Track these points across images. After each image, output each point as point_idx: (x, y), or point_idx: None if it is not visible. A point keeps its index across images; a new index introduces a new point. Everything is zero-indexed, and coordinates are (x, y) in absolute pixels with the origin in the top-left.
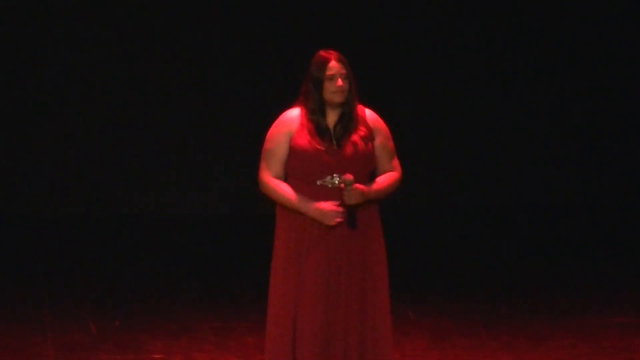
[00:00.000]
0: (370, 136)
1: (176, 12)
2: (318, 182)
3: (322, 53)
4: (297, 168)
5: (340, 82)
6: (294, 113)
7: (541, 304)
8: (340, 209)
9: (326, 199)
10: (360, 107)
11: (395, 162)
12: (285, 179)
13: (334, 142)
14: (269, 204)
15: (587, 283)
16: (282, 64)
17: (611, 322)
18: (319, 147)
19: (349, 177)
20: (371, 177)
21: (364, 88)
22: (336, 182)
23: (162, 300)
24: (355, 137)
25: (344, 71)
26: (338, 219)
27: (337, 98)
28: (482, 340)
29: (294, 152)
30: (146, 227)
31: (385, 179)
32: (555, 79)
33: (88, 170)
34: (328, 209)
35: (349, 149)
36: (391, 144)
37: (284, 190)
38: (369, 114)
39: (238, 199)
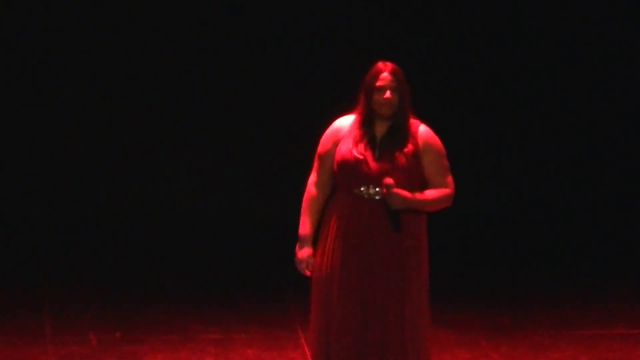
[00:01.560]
0: (416, 152)
1: (178, 13)
2: (355, 191)
3: (379, 63)
4: (338, 175)
5: (388, 94)
6: (347, 119)
7: (542, 314)
8: (305, 269)
9: (364, 209)
10: (414, 122)
11: (448, 180)
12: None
13: (377, 153)
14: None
15: (588, 293)
16: (282, 67)
17: (612, 333)
18: (358, 156)
19: (388, 181)
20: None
21: None
22: (371, 192)
23: (162, 311)
24: (398, 152)
25: (394, 84)
26: (303, 272)
27: (383, 110)
28: (483, 351)
29: (336, 158)
30: (146, 235)
31: (434, 192)
32: (551, 81)
33: (88, 175)
34: (298, 260)
35: (389, 162)
36: (444, 161)
37: (304, 209)
38: (422, 129)
39: (244, 203)
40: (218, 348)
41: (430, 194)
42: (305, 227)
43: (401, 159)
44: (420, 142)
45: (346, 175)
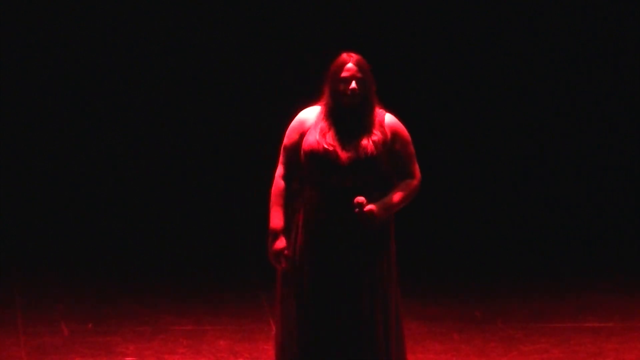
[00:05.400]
0: (383, 141)
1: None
2: (324, 181)
3: (343, 54)
4: (305, 166)
5: (354, 84)
6: (312, 110)
7: (514, 307)
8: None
9: (332, 200)
10: (379, 112)
11: (414, 167)
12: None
13: (345, 142)
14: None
15: (560, 286)
16: (285, 64)
17: (584, 327)
18: (327, 146)
19: (359, 199)
20: (388, 184)
21: None
22: (341, 181)
23: (135, 302)
24: (365, 141)
25: (359, 75)
26: (277, 265)
27: (349, 100)
28: (455, 344)
29: (303, 149)
30: (119, 226)
31: (402, 190)
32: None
33: (56, 166)
34: (273, 252)
35: (356, 152)
36: (410, 149)
37: (273, 202)
38: (388, 118)
39: (210, 198)
40: (190, 339)
41: (398, 195)
42: (276, 220)
43: (370, 148)
44: (387, 130)
45: (315, 165)
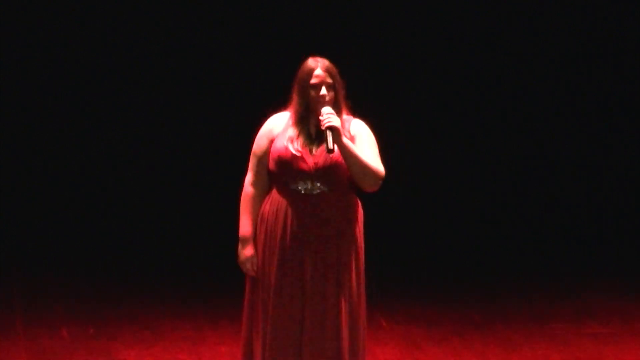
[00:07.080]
0: None
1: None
2: (292, 187)
3: (310, 60)
4: (273, 171)
5: (323, 91)
6: (281, 116)
7: (515, 311)
8: (250, 269)
9: (301, 205)
10: (347, 118)
11: (378, 163)
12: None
13: (313, 149)
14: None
15: (560, 288)
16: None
17: (584, 332)
18: (295, 152)
19: (328, 109)
20: (354, 189)
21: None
22: (309, 188)
23: (135, 307)
24: None
25: (329, 80)
26: (247, 273)
27: (319, 107)
28: (455, 348)
29: (271, 155)
30: (120, 230)
31: (366, 157)
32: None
33: (57, 169)
34: (242, 260)
35: (322, 158)
36: (373, 148)
37: (242, 209)
38: (354, 123)
39: (210, 198)
40: (190, 345)
41: (361, 154)
42: (245, 227)
43: (335, 155)
44: (352, 134)
45: (283, 171)
